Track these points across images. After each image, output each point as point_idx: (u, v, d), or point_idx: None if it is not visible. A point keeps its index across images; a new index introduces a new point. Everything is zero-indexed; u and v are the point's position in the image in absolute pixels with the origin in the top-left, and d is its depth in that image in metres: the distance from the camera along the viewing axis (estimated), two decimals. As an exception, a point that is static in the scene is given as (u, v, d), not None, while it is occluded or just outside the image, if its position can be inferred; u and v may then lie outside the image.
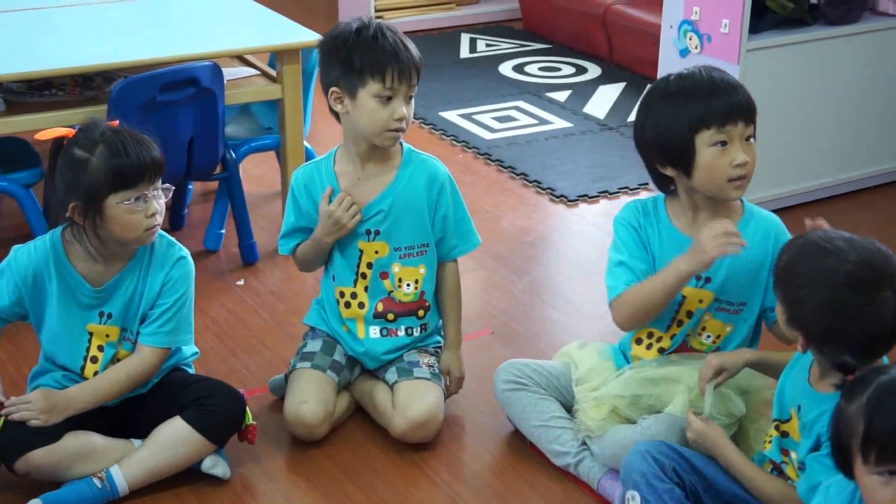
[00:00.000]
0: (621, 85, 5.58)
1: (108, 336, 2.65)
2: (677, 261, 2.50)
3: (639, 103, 2.65)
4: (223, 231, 3.86)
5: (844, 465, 1.82)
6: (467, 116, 5.14)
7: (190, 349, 2.81)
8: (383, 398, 2.86)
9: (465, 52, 6.10)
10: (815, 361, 2.25)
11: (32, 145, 3.63)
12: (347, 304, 2.90)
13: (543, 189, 4.39)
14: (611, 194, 4.35)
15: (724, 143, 2.46)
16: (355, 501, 2.67)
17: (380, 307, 2.89)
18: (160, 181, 2.58)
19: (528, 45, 6.21)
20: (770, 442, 2.37)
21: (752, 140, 2.50)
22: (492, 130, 4.98)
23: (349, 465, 2.78)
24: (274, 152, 4.01)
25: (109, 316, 2.63)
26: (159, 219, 2.57)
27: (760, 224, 2.60)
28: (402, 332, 2.91)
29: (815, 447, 2.20)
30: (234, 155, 3.72)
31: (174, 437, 2.62)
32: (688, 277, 2.50)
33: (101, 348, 2.65)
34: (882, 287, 2.09)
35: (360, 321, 2.90)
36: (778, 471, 2.35)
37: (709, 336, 2.64)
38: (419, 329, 2.93)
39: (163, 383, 2.72)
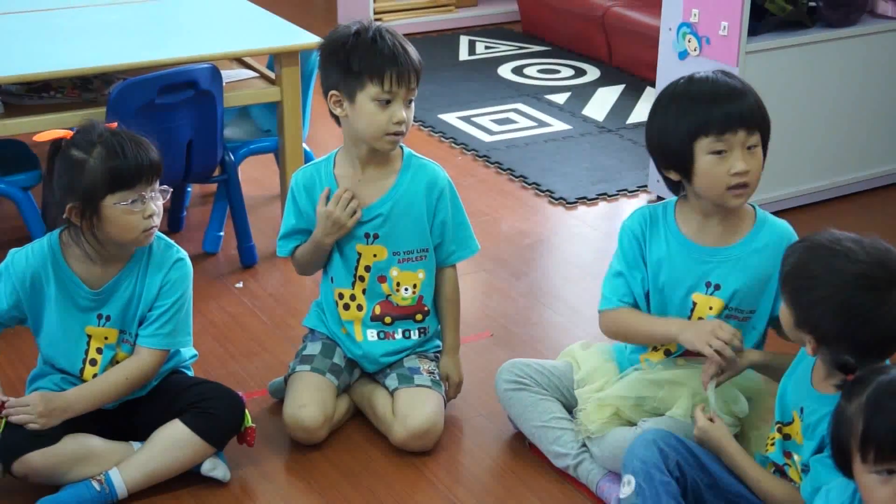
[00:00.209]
0: (620, 87, 5.58)
1: (106, 338, 2.64)
2: (674, 322, 2.55)
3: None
4: (222, 233, 3.86)
5: (844, 464, 1.83)
6: (466, 119, 5.14)
7: (189, 352, 2.81)
8: (383, 404, 2.86)
9: (464, 55, 6.10)
10: (819, 363, 2.24)
11: (31, 148, 3.63)
12: (346, 306, 2.90)
13: (542, 191, 4.38)
14: (610, 197, 4.35)
15: (722, 152, 2.45)
16: (354, 504, 2.67)
17: (377, 310, 2.88)
18: (158, 183, 2.57)
19: (527, 48, 6.22)
20: (773, 444, 2.36)
21: (754, 149, 2.48)
22: (491, 133, 4.97)
23: (348, 468, 2.78)
24: (273, 155, 4.01)
25: (108, 318, 2.63)
26: (157, 220, 2.57)
27: (773, 232, 2.58)
28: (399, 336, 2.90)
29: (819, 449, 2.20)
30: (232, 157, 3.72)
31: (173, 440, 2.61)
32: (672, 341, 2.56)
33: (99, 351, 2.65)
34: (894, 286, 2.09)
35: (359, 323, 2.90)
36: (781, 473, 2.35)
37: None
38: (417, 333, 2.92)
39: (162, 386, 2.71)
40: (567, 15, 6.11)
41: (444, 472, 2.77)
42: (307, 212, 2.86)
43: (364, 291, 2.87)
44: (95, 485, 2.56)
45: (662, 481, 2.32)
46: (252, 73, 3.83)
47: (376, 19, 5.79)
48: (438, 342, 2.98)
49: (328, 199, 2.79)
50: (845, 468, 1.83)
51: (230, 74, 3.75)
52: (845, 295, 2.09)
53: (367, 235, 2.83)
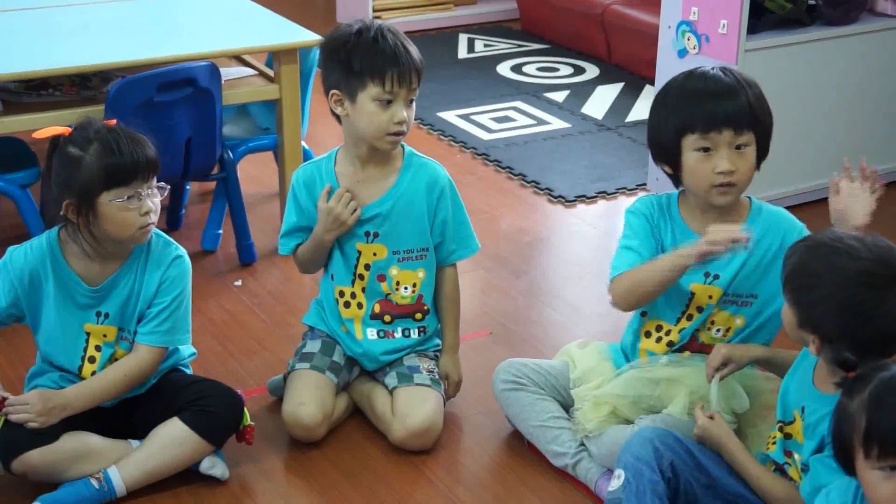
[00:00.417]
0: (619, 85, 5.57)
1: (105, 336, 2.64)
2: (680, 248, 2.49)
3: None
4: (221, 231, 3.86)
5: (845, 461, 1.83)
6: (465, 117, 5.13)
7: (187, 350, 2.81)
8: (383, 403, 2.86)
9: (463, 53, 6.10)
10: (821, 362, 2.24)
11: (29, 145, 3.62)
12: (347, 304, 2.89)
13: (541, 189, 4.38)
14: (609, 195, 4.35)
15: (708, 150, 2.47)
16: (353, 502, 2.66)
17: (377, 308, 2.88)
18: (155, 180, 2.57)
19: (526, 46, 6.21)
20: (774, 443, 2.36)
21: (744, 148, 2.49)
22: (490, 131, 4.97)
23: (347, 466, 2.77)
24: (272, 153, 4.00)
25: (107, 315, 2.63)
26: (154, 217, 2.56)
27: (769, 218, 2.60)
28: (399, 334, 2.90)
29: (819, 449, 2.20)
30: (231, 155, 3.72)
31: (172, 438, 2.61)
32: (686, 265, 2.46)
33: (98, 348, 2.64)
34: None
35: (359, 322, 2.89)
36: (781, 472, 2.35)
37: (718, 330, 2.63)
38: (417, 332, 2.92)
39: (161, 384, 2.71)
40: (566, 13, 6.10)
41: (444, 471, 2.77)
42: (308, 209, 2.85)
43: (363, 290, 2.87)
44: (94, 483, 2.56)
45: (651, 480, 2.32)
46: (251, 71, 3.83)
47: (375, 17, 5.80)
48: (438, 341, 2.97)
49: (329, 196, 2.79)
50: (847, 465, 1.83)
51: (229, 72, 3.74)
52: (847, 293, 2.09)
53: (367, 234, 2.83)
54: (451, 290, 2.95)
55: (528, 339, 3.36)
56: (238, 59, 3.90)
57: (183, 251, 2.68)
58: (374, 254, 2.84)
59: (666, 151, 2.54)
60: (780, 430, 2.34)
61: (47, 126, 2.67)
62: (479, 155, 4.71)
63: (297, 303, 3.48)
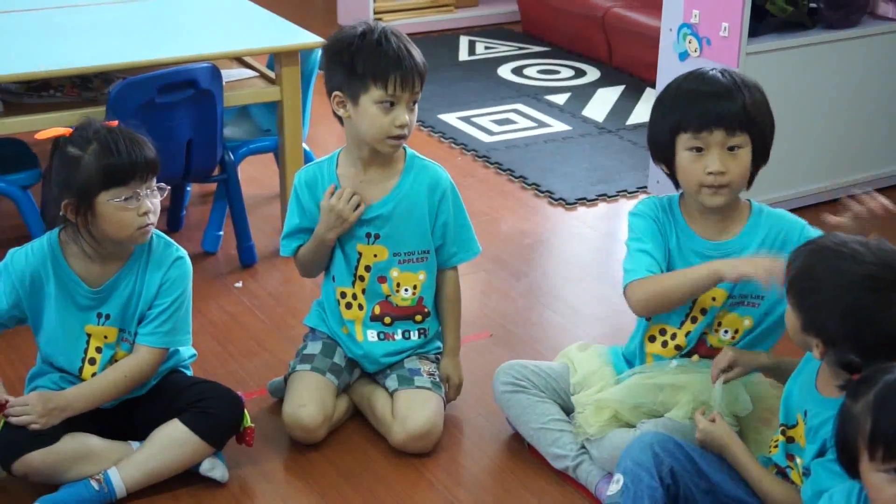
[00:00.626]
0: (620, 88, 5.57)
1: (106, 337, 2.64)
2: (717, 264, 2.46)
3: None
4: (221, 233, 3.86)
5: (849, 463, 1.82)
6: (466, 119, 5.14)
7: (188, 351, 2.81)
8: (383, 405, 2.85)
9: (463, 55, 6.10)
10: (824, 366, 2.23)
11: (30, 147, 3.62)
12: (349, 305, 2.89)
13: (542, 192, 4.38)
14: (609, 197, 4.35)
15: (699, 150, 2.48)
16: (353, 504, 2.67)
17: (377, 310, 2.88)
18: (154, 180, 2.57)
19: (527, 48, 6.21)
20: (776, 446, 2.36)
21: (738, 150, 2.48)
22: (491, 133, 4.97)
23: (347, 468, 2.77)
24: (272, 154, 4.01)
25: (108, 317, 2.63)
26: (153, 218, 2.56)
27: (769, 220, 2.59)
28: (399, 336, 2.90)
29: (821, 453, 2.20)
30: (232, 157, 3.72)
31: (172, 440, 2.61)
32: (718, 280, 2.45)
33: (99, 350, 2.64)
34: None
35: (359, 323, 2.89)
36: (783, 475, 2.34)
37: (726, 331, 2.62)
38: (417, 334, 2.92)
39: (161, 385, 2.71)
40: (567, 15, 6.10)
41: (444, 473, 2.77)
42: (310, 210, 2.85)
43: (364, 291, 2.87)
44: (94, 484, 2.56)
45: (650, 486, 2.32)
46: (252, 73, 3.83)
47: (376, 19, 5.79)
48: (439, 343, 2.97)
49: (332, 195, 2.79)
50: (850, 468, 1.82)
51: (230, 74, 3.74)
52: (851, 296, 2.08)
53: (368, 235, 2.83)
54: (452, 292, 2.95)
55: (529, 340, 3.36)
56: (239, 60, 3.90)
57: (184, 252, 2.68)
58: (375, 255, 2.84)
59: (662, 150, 2.55)
60: (783, 433, 2.34)
61: (48, 127, 2.67)
62: (479, 157, 4.71)
63: (298, 304, 3.48)
